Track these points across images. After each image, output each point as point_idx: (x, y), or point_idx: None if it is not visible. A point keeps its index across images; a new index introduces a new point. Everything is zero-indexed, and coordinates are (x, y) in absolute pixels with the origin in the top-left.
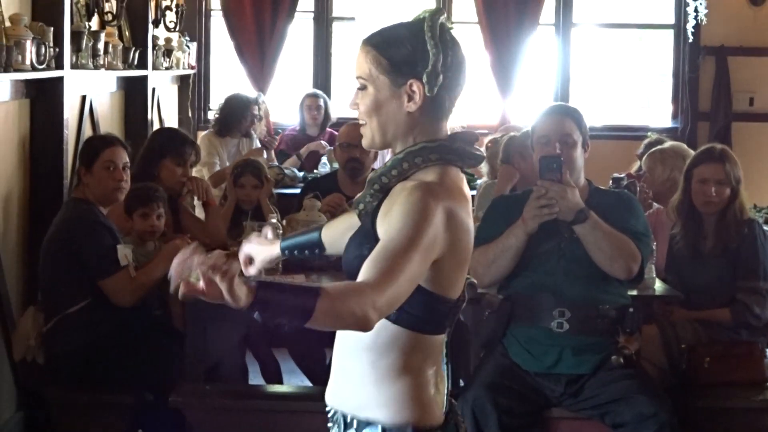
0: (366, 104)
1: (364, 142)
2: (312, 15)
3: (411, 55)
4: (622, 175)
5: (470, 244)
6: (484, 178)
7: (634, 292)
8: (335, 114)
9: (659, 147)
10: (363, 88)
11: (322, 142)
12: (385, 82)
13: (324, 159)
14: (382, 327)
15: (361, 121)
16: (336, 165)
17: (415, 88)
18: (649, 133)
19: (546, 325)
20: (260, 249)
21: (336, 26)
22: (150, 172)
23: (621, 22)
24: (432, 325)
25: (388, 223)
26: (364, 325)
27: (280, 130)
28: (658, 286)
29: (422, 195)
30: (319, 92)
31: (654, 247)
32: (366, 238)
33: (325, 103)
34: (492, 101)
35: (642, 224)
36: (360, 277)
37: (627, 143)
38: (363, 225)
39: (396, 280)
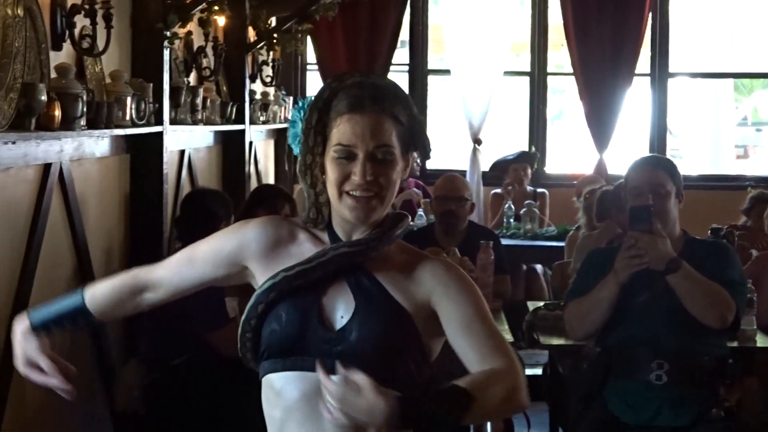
0: (389, 177)
1: (370, 218)
2: (407, 68)
3: (413, 125)
4: (720, 226)
5: None
6: (582, 231)
7: (735, 344)
8: (429, 165)
9: None
10: (391, 158)
11: (415, 190)
12: (398, 153)
13: (420, 211)
14: None
15: (367, 193)
16: (432, 217)
17: (410, 159)
18: (749, 188)
19: (644, 377)
20: (22, 346)
21: (431, 79)
22: None
23: (718, 72)
24: None
25: (457, 300)
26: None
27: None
28: (760, 337)
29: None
30: None
31: (754, 297)
32: (389, 312)
33: None
34: (587, 151)
35: (737, 273)
36: (482, 357)
37: (725, 193)
38: (366, 297)
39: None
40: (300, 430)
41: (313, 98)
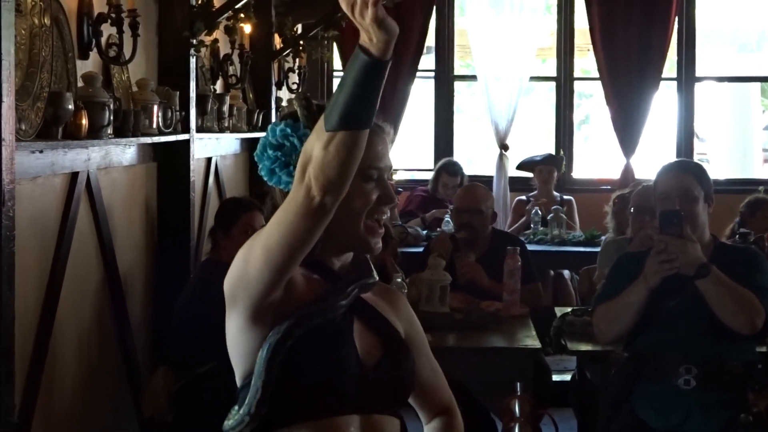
0: None
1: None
2: (433, 74)
3: None
4: (748, 231)
5: None
6: (609, 234)
7: (764, 349)
8: None
9: None
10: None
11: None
12: None
13: (447, 218)
14: None
15: (386, 216)
16: None
17: None
18: (760, 188)
19: (673, 382)
20: None
21: (457, 85)
22: None
23: (744, 75)
24: None
25: (420, 335)
26: None
27: (400, 189)
28: None
29: None
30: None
31: None
32: (402, 342)
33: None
34: (614, 156)
35: (767, 279)
36: (437, 396)
37: None
38: (393, 334)
39: None
40: None
41: (305, 120)
